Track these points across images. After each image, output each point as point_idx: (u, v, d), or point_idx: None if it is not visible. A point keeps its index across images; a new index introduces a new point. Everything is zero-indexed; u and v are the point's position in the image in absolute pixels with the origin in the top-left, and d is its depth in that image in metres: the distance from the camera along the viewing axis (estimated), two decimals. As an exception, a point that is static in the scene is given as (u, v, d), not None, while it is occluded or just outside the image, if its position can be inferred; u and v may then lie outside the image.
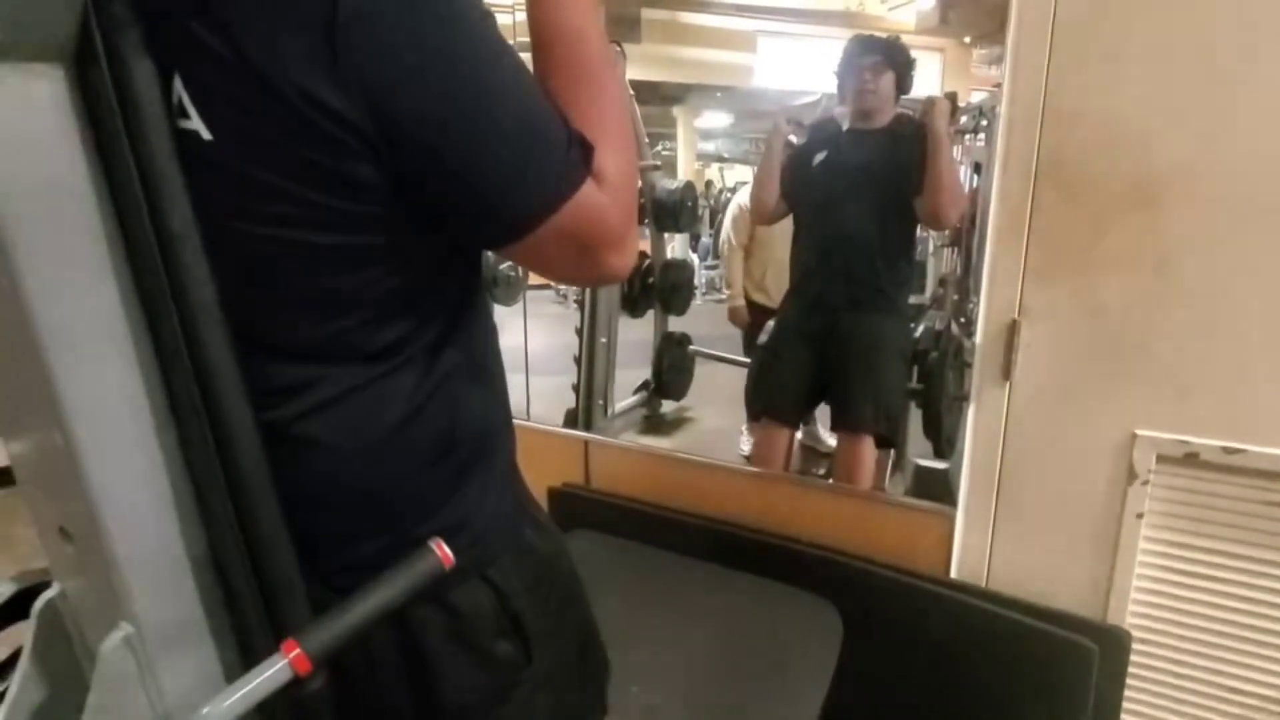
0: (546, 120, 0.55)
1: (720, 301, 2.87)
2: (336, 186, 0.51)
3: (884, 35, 2.46)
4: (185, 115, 0.50)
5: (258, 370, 0.57)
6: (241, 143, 0.50)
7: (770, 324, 2.19)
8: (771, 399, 1.98)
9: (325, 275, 0.56)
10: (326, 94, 0.48)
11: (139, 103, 0.49)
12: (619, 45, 2.07)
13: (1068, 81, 1.08)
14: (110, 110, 0.48)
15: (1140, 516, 1.14)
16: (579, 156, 0.56)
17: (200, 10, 0.48)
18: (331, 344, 0.58)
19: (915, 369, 2.37)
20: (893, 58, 1.96)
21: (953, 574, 1.31)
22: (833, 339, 1.98)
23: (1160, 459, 1.12)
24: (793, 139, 2.14)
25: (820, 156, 2.02)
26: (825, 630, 1.28)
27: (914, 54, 2.17)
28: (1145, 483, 1.13)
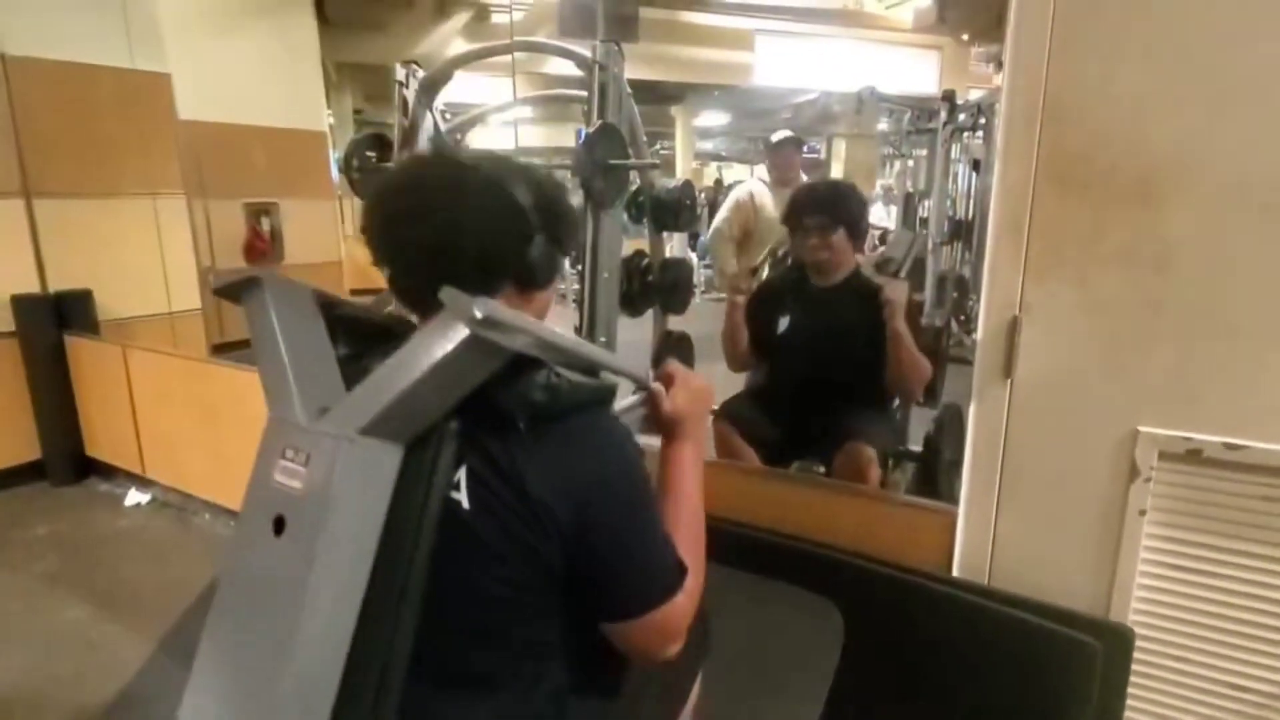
0: (667, 552, 0.83)
1: (719, 300, 2.84)
2: (532, 558, 0.77)
3: (830, 184, 2.35)
4: (457, 489, 0.76)
5: (410, 694, 0.74)
6: (487, 516, 0.76)
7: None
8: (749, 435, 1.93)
9: (498, 618, 0.80)
10: (558, 510, 0.76)
11: (435, 481, 0.73)
12: (617, 45, 2.04)
13: (1067, 77, 1.07)
14: (417, 482, 0.72)
15: (1143, 513, 1.14)
16: (677, 577, 0.83)
17: (502, 440, 0.75)
18: (481, 672, 0.81)
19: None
20: (841, 212, 1.90)
21: (955, 572, 1.31)
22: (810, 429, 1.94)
23: (1162, 455, 1.11)
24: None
25: (785, 322, 1.98)
26: (827, 628, 1.27)
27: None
28: (1147, 480, 1.12)
